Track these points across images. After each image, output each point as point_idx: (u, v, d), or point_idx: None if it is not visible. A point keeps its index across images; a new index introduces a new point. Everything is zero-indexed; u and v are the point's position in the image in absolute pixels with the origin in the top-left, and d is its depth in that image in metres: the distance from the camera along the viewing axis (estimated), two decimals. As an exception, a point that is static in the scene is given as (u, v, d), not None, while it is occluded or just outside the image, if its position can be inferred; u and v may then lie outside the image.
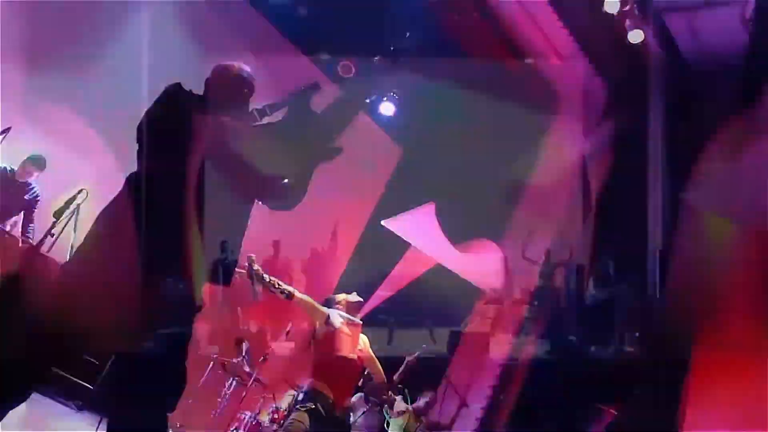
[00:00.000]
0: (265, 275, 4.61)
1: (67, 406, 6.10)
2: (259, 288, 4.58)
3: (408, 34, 8.50)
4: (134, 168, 3.07)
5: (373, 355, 5.18)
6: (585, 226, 9.19)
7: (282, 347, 8.04)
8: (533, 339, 9.05)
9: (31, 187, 6.61)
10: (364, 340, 5.12)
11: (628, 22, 8.28)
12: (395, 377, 6.65)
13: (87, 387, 6.12)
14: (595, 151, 9.43)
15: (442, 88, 8.55)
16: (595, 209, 9.15)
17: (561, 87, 9.44)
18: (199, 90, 3.22)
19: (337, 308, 5.05)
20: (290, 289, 4.80)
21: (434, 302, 9.46)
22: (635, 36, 8.30)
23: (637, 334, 8.26)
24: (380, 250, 9.76)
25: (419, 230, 9.42)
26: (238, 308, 9.19)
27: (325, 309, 4.99)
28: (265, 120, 3.25)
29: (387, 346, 8.80)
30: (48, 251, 6.02)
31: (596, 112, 9.50)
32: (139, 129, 3.07)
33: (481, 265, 9.61)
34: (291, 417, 4.79)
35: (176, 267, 2.90)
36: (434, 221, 9.49)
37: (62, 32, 7.20)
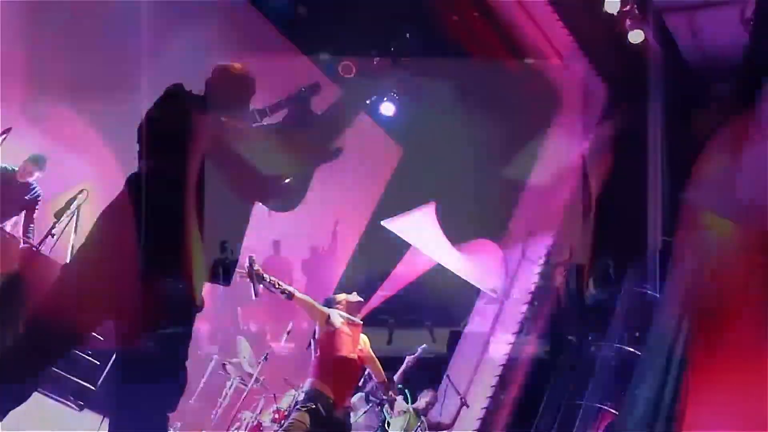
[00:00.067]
0: (265, 275, 4.62)
1: (68, 406, 6.10)
2: (259, 288, 4.59)
3: (408, 34, 8.49)
4: (134, 168, 3.08)
5: (374, 355, 5.19)
6: (585, 226, 9.18)
7: (282, 347, 8.04)
8: (533, 339, 9.05)
9: (31, 187, 6.61)
10: (364, 339, 5.13)
11: (628, 22, 8.27)
12: (396, 377, 6.66)
13: (88, 387, 6.13)
14: (595, 151, 9.43)
15: (442, 88, 8.54)
16: (595, 209, 9.15)
17: (561, 87, 9.44)
18: (199, 90, 3.22)
19: (338, 308, 5.06)
20: (290, 289, 4.81)
21: (434, 302, 9.47)
22: (635, 36, 8.30)
23: (637, 334, 8.26)
24: (380, 250, 9.76)
25: (419, 230, 9.41)
26: (238, 308, 9.20)
27: (325, 309, 4.99)
28: (266, 120, 3.26)
29: (387, 346, 8.80)
30: (49, 252, 6.03)
31: (596, 112, 9.50)
32: (140, 129, 3.07)
33: (481, 265, 9.61)
34: (291, 417, 4.80)
35: (176, 267, 2.90)
36: (434, 221, 9.48)
37: (62, 32, 7.20)
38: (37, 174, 6.61)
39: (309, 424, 4.64)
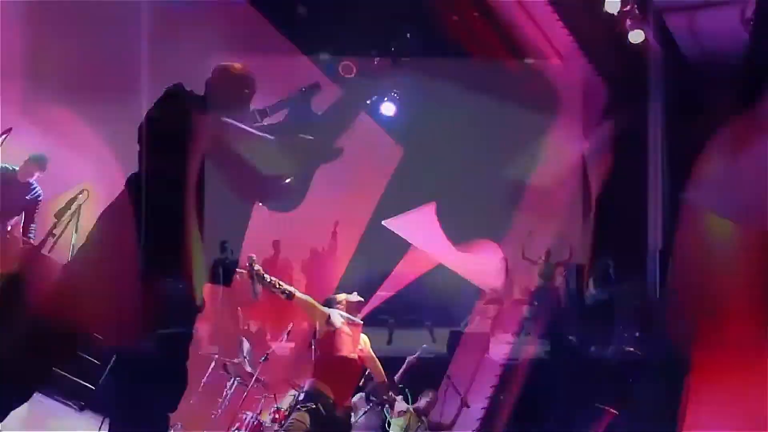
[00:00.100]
0: (265, 275, 4.62)
1: (68, 406, 6.11)
2: (259, 288, 4.58)
3: (408, 34, 8.49)
4: (135, 168, 3.08)
5: (374, 355, 5.19)
6: (585, 226, 9.19)
7: (283, 347, 8.04)
8: (533, 339, 9.06)
9: (32, 187, 6.62)
10: (364, 339, 5.12)
11: (628, 22, 8.28)
12: (396, 377, 6.66)
13: (89, 387, 6.13)
14: (595, 151, 9.43)
15: (442, 88, 8.55)
16: (595, 209, 9.15)
17: (561, 87, 9.44)
18: (199, 91, 3.22)
19: (338, 308, 5.06)
20: (291, 289, 4.81)
21: (434, 302, 9.47)
22: (636, 36, 8.30)
23: (637, 334, 8.26)
24: (381, 250, 9.77)
25: (420, 230, 9.42)
26: (239, 308, 9.21)
27: (325, 309, 4.99)
28: (266, 121, 3.26)
29: (387, 346, 8.81)
30: (49, 252, 6.03)
31: (596, 112, 9.50)
32: (140, 129, 3.07)
33: (481, 265, 9.62)
34: (292, 417, 4.80)
35: (177, 267, 2.91)
36: (435, 221, 9.50)
37: (62, 32, 7.20)
38: (37, 174, 6.61)
39: (309, 423, 4.64)
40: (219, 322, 8.77)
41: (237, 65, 3.31)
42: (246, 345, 7.23)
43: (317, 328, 4.99)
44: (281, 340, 7.96)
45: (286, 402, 6.51)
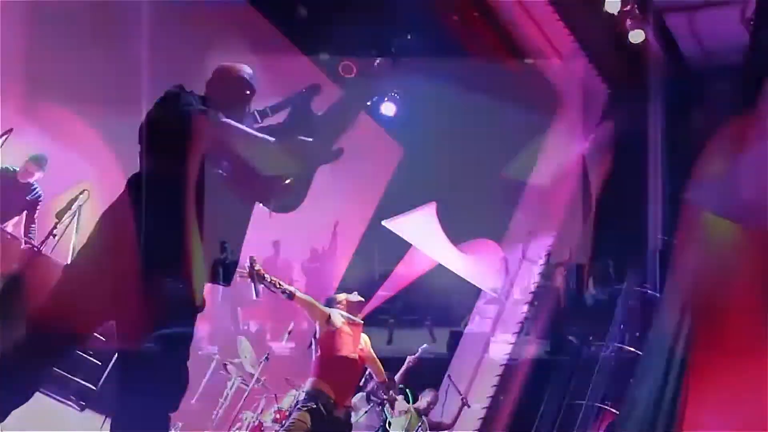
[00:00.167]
0: (266, 275, 4.63)
1: (69, 406, 6.11)
2: (260, 288, 4.59)
3: (409, 34, 8.49)
4: (135, 168, 3.08)
5: (374, 355, 5.20)
6: (585, 226, 9.19)
7: (283, 347, 8.05)
8: (534, 339, 9.06)
9: (32, 187, 6.62)
10: (365, 339, 5.13)
11: (628, 22, 8.28)
12: (397, 377, 6.67)
13: (90, 387, 6.14)
14: (595, 151, 9.43)
15: (442, 88, 8.55)
16: (595, 209, 9.16)
17: (561, 87, 9.44)
18: (200, 91, 3.23)
19: (338, 308, 5.07)
20: (291, 289, 4.81)
21: (434, 302, 9.48)
22: (636, 36, 8.31)
23: (637, 334, 8.27)
24: (381, 250, 9.77)
25: (420, 230, 9.42)
26: (239, 308, 9.21)
27: (326, 309, 5.00)
28: (266, 121, 3.26)
29: (387, 346, 8.82)
30: (50, 252, 6.04)
31: (596, 112, 9.51)
32: (141, 130, 3.08)
33: (481, 265, 9.62)
34: (293, 417, 4.80)
35: (177, 267, 2.91)
36: (435, 221, 9.50)
37: (62, 32, 7.20)
38: (38, 174, 6.62)
39: (310, 423, 4.64)
40: (219, 322, 8.78)
41: (237, 66, 3.31)
42: (246, 345, 7.24)
43: (318, 328, 5.00)
44: (282, 340, 7.98)
45: (286, 402, 6.51)
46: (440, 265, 9.44)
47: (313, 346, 5.04)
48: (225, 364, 7.16)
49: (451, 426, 7.47)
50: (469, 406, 7.64)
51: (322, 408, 4.69)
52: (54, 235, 5.90)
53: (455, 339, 9.26)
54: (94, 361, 6.01)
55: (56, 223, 5.87)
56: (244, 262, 4.39)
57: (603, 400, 7.91)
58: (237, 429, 6.66)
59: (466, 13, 8.56)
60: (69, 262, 4.28)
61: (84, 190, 5.99)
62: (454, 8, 8.53)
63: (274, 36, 8.44)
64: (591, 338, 8.80)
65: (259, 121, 3.24)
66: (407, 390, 6.99)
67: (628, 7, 8.12)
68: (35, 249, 5.99)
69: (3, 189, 6.29)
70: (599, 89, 9.40)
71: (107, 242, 2.99)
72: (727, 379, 3.78)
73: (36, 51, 7.02)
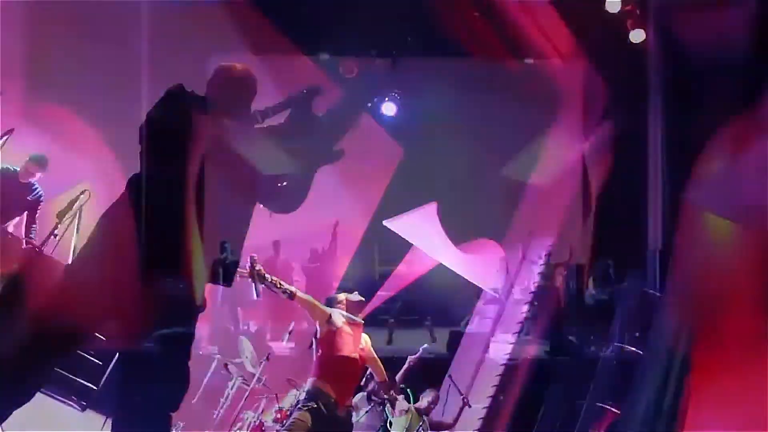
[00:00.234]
0: (267, 275, 4.63)
1: (71, 406, 6.11)
2: (261, 288, 4.60)
3: (409, 34, 8.50)
4: (136, 168, 3.09)
5: (375, 355, 5.20)
6: (585, 226, 9.19)
7: (284, 347, 8.05)
8: (534, 339, 9.06)
9: (33, 187, 6.63)
10: (365, 339, 5.13)
11: (629, 22, 8.28)
12: (398, 376, 6.67)
13: (91, 387, 6.14)
14: (595, 151, 9.43)
15: (442, 88, 8.55)
16: (595, 209, 9.15)
17: (561, 87, 9.44)
18: (200, 91, 3.23)
19: (339, 308, 5.07)
20: (292, 288, 4.82)
21: (435, 302, 9.48)
22: (636, 36, 8.30)
23: (637, 334, 8.26)
24: (381, 250, 9.78)
25: (421, 230, 9.42)
26: (239, 308, 9.21)
27: (326, 308, 5.00)
28: (267, 121, 3.27)
29: (388, 346, 8.82)
30: (51, 252, 6.04)
31: (596, 112, 9.50)
32: (141, 130, 3.08)
33: (482, 265, 9.62)
34: (293, 416, 4.81)
35: (178, 267, 2.91)
36: (436, 221, 9.50)
37: (62, 32, 7.21)
38: (38, 174, 6.62)
39: (311, 423, 4.65)
40: (219, 322, 8.78)
41: (238, 66, 3.31)
42: (247, 345, 7.24)
43: (318, 328, 5.00)
44: (283, 340, 7.98)
45: (287, 402, 6.51)
46: (441, 265, 9.44)
47: (314, 346, 5.05)
48: (226, 364, 7.16)
49: (451, 426, 7.47)
50: (470, 406, 7.64)
51: (323, 408, 4.70)
52: (55, 235, 5.91)
53: (455, 339, 9.26)
54: (96, 361, 6.01)
55: (57, 223, 5.88)
56: (245, 262, 4.40)
57: (604, 399, 7.90)
58: (238, 429, 6.66)
59: (466, 13, 8.56)
60: (70, 262, 4.29)
61: (84, 191, 6.00)
62: (454, 8, 8.52)
63: (274, 36, 8.44)
64: (591, 338, 8.80)
65: (260, 122, 3.24)
66: (408, 390, 7.00)
67: (629, 7, 8.12)
68: (36, 249, 5.99)
69: (4, 189, 6.29)
70: (599, 89, 9.39)
71: (108, 242, 2.99)
72: (728, 379, 3.78)
73: (36, 51, 7.03)
